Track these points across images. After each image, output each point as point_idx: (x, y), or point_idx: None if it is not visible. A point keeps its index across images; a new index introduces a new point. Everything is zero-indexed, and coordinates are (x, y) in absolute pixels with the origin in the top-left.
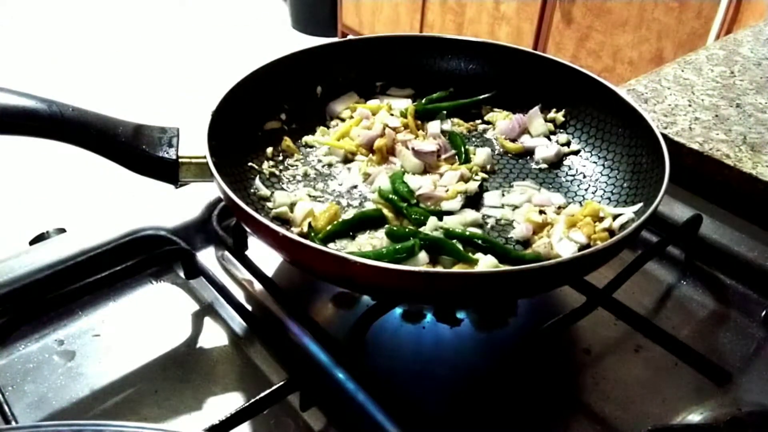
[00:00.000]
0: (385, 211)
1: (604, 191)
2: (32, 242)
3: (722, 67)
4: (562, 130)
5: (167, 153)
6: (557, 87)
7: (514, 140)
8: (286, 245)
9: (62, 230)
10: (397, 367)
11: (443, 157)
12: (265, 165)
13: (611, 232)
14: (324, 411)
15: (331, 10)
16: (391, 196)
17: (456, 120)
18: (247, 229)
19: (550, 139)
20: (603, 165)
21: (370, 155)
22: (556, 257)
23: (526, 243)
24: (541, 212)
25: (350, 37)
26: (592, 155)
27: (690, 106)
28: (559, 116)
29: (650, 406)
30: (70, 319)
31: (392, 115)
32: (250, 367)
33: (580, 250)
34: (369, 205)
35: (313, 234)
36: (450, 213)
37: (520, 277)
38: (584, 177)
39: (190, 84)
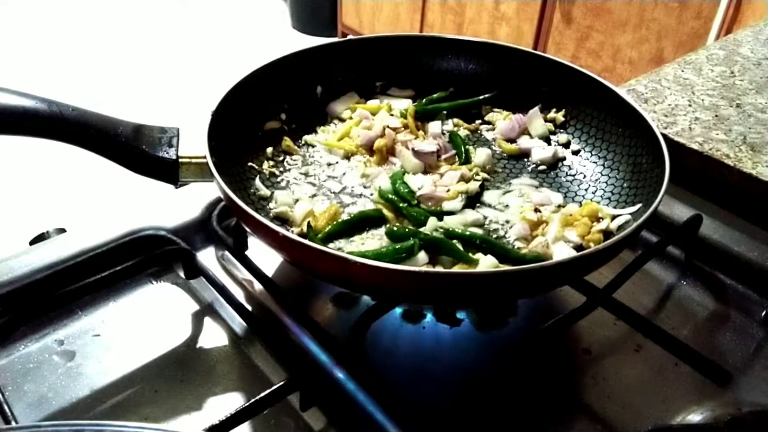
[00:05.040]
0: (385, 211)
1: (604, 191)
2: (32, 242)
3: (722, 67)
4: (562, 130)
5: (167, 153)
6: (557, 87)
7: (513, 140)
8: (286, 245)
9: (62, 230)
10: (397, 367)
11: (443, 157)
12: (265, 165)
13: (608, 233)
14: (324, 411)
15: (331, 10)
16: (391, 196)
17: (457, 121)
18: (247, 229)
19: (549, 140)
20: (603, 165)
21: (368, 156)
22: (552, 256)
23: (527, 242)
24: (537, 210)
25: (350, 37)
26: (592, 155)
27: (690, 106)
28: (559, 116)
29: (650, 406)
30: (70, 319)
31: (392, 115)
32: (250, 367)
33: (576, 250)
34: (369, 205)
35: (313, 234)
36: (450, 213)
37: (520, 277)
38: (584, 177)
39: (190, 84)
